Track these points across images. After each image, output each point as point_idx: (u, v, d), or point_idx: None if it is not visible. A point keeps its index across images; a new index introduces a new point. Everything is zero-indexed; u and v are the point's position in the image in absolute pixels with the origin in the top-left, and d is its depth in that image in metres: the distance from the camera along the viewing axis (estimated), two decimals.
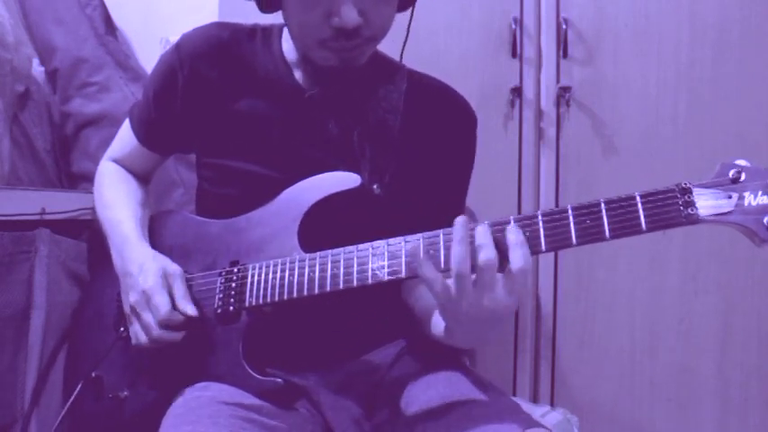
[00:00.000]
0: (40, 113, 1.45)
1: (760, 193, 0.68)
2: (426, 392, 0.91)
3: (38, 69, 1.51)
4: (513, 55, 1.56)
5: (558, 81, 1.57)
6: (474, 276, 0.72)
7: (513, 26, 1.55)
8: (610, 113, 1.57)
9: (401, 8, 0.96)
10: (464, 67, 1.57)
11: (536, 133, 1.58)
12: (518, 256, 0.71)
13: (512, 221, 0.74)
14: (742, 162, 0.70)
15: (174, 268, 0.94)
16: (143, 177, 1.14)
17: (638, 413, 1.58)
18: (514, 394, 1.58)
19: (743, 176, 0.69)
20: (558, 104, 1.57)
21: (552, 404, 1.59)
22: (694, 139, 1.54)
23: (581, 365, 1.60)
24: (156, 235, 1.04)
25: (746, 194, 0.68)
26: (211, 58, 1.00)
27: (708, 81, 1.53)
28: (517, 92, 1.57)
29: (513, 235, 0.72)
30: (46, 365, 1.18)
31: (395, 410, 0.92)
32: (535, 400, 1.60)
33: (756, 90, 1.52)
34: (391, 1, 0.90)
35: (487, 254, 0.71)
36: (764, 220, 0.67)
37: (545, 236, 0.73)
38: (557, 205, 1.56)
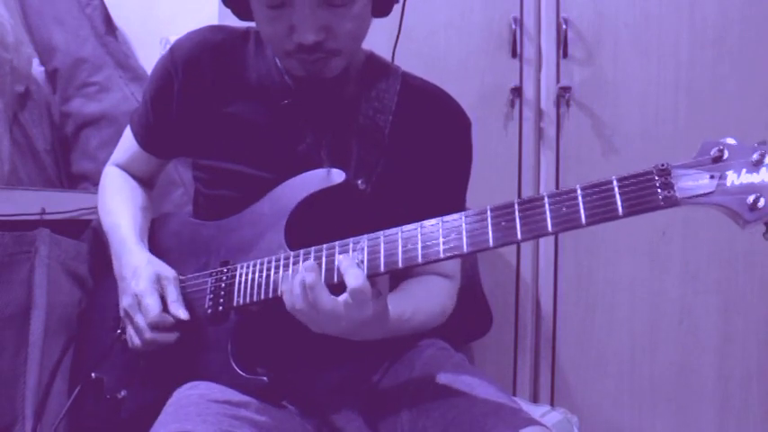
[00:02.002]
0: (40, 113, 1.45)
1: (744, 171, 0.64)
2: (429, 388, 0.91)
3: (38, 69, 1.52)
4: (513, 55, 1.56)
5: (558, 81, 1.57)
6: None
7: (513, 26, 1.55)
8: (610, 113, 1.57)
9: (379, 14, 0.96)
10: (464, 67, 1.57)
11: (536, 133, 1.58)
12: (351, 276, 0.77)
13: (488, 211, 0.75)
14: (728, 140, 0.67)
15: (168, 272, 0.95)
16: (146, 181, 1.16)
17: (638, 413, 1.58)
18: (514, 394, 1.58)
19: (725, 155, 0.65)
20: (558, 104, 1.57)
21: (552, 404, 1.59)
22: (694, 139, 1.52)
23: (581, 365, 1.60)
24: (155, 237, 1.06)
25: (729, 173, 0.65)
26: (205, 61, 1.01)
27: (708, 81, 1.53)
28: (517, 92, 1.57)
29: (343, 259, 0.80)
30: (47, 365, 1.18)
31: (395, 408, 0.92)
32: (535, 400, 1.60)
33: (756, 90, 1.52)
34: (358, 15, 0.90)
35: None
36: (748, 200, 0.63)
37: (520, 224, 0.72)
38: None
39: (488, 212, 0.74)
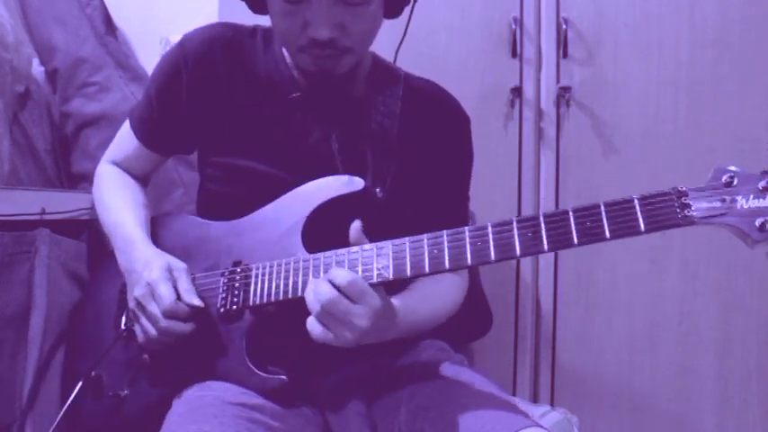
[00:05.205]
0: (40, 113, 1.45)
1: (751, 197, 0.72)
2: (427, 388, 0.91)
3: (38, 69, 1.51)
4: (513, 55, 1.56)
5: (558, 81, 1.57)
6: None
7: (513, 26, 1.55)
8: (610, 113, 1.57)
9: (391, 15, 0.97)
10: (464, 67, 1.57)
11: (536, 133, 1.58)
12: (337, 277, 0.79)
13: (514, 222, 0.77)
14: (732, 167, 0.74)
15: (179, 264, 0.95)
16: (142, 179, 1.15)
17: (638, 413, 1.58)
18: (514, 394, 1.58)
19: (735, 181, 0.73)
20: (558, 104, 1.57)
21: (552, 404, 1.59)
22: (694, 139, 1.54)
23: (581, 365, 1.60)
24: (157, 237, 1.05)
25: (739, 198, 0.73)
26: (215, 56, 1.01)
27: (708, 81, 1.53)
28: (517, 92, 1.57)
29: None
30: (42, 364, 1.18)
31: (393, 408, 0.92)
32: (535, 400, 1.60)
33: (756, 90, 1.52)
34: (372, 15, 0.91)
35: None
36: (756, 223, 0.71)
37: (547, 236, 0.75)
38: (557, 205, 1.56)
39: (514, 223, 0.78)
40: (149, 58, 1.56)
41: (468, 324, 1.34)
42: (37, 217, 1.21)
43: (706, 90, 1.53)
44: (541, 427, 0.82)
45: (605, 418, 1.59)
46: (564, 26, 1.55)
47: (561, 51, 1.56)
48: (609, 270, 1.58)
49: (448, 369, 0.96)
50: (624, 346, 1.58)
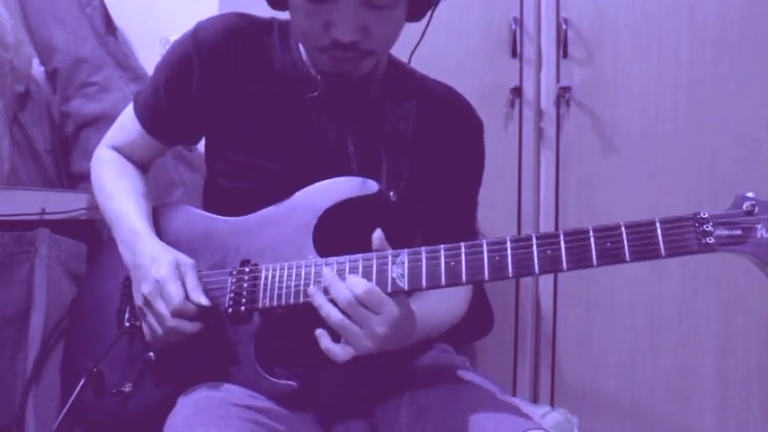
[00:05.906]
0: (40, 113, 1.45)
1: None
2: (428, 390, 0.91)
3: (38, 69, 1.52)
4: (513, 55, 1.56)
5: (558, 81, 1.57)
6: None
7: (513, 26, 1.55)
8: (610, 113, 1.57)
9: (413, 19, 0.95)
10: (464, 67, 1.57)
11: (536, 133, 1.58)
12: (354, 286, 0.79)
13: (533, 239, 0.77)
14: (750, 194, 0.73)
15: (187, 260, 0.92)
16: (142, 166, 1.12)
17: (639, 413, 1.58)
18: (514, 394, 1.58)
19: (756, 209, 0.72)
20: (558, 104, 1.57)
21: (552, 404, 1.59)
22: (694, 139, 1.54)
23: (581, 366, 1.60)
24: (160, 228, 1.02)
25: (759, 227, 0.72)
26: (229, 47, 0.98)
27: (708, 81, 1.53)
28: (517, 92, 1.57)
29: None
30: (42, 364, 1.18)
31: (393, 410, 0.92)
32: (535, 400, 1.60)
33: (756, 90, 1.52)
34: (396, 18, 0.90)
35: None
36: None
37: (566, 255, 0.75)
38: (556, 206, 1.56)
39: (533, 240, 0.77)
40: (149, 58, 1.56)
41: (469, 324, 1.34)
42: (37, 217, 1.21)
43: (706, 90, 1.53)
44: (543, 429, 0.81)
45: (605, 419, 1.59)
46: (564, 26, 1.55)
47: (561, 51, 1.56)
48: (609, 270, 1.57)
49: (449, 371, 0.96)
50: (624, 347, 1.58)
